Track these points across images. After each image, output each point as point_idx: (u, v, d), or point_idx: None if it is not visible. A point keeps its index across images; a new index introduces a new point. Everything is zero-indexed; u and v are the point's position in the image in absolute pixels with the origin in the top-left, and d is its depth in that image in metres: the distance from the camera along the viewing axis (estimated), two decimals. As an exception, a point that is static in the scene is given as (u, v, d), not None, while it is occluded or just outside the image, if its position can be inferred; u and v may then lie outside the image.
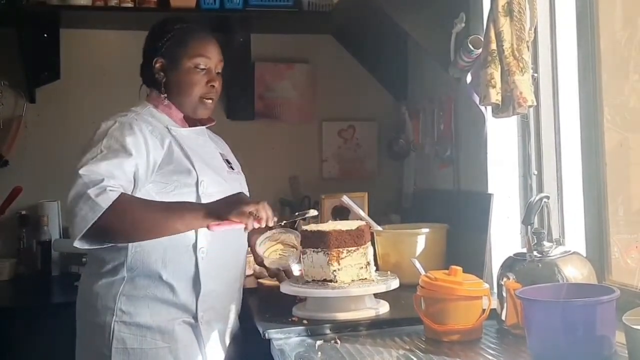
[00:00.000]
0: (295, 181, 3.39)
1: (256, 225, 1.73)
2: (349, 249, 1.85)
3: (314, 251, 1.84)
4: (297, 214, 2.00)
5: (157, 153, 1.81)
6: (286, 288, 1.89)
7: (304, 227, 1.88)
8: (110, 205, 1.64)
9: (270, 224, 1.77)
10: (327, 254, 1.83)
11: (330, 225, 1.90)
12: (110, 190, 1.66)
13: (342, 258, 1.84)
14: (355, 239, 1.87)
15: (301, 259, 1.87)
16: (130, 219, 1.68)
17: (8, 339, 2.52)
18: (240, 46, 3.31)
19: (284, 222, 1.92)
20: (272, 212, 1.75)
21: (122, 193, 1.68)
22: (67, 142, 3.15)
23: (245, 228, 1.74)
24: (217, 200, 1.78)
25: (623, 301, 1.41)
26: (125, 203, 1.67)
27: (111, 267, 1.81)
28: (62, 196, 3.05)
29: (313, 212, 1.94)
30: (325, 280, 1.84)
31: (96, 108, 3.13)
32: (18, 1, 2.94)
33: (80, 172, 1.68)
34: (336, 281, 1.83)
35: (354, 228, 1.87)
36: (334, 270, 1.83)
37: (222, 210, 1.72)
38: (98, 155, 1.72)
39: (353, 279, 1.85)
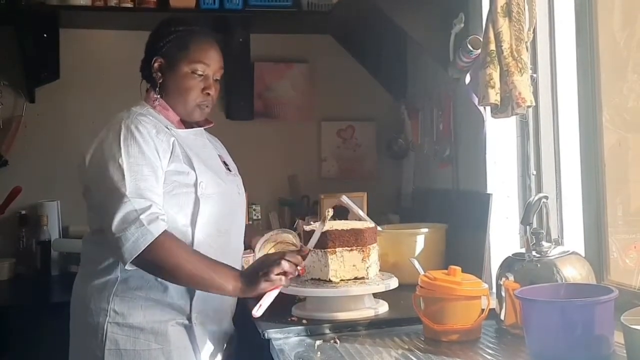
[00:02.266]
0: (295, 181, 3.39)
1: (289, 279, 1.72)
2: (373, 245, 1.89)
3: (346, 250, 1.84)
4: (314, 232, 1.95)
5: (165, 157, 1.81)
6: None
7: (333, 227, 1.87)
8: (160, 235, 1.67)
9: (301, 270, 1.76)
10: (362, 251, 1.85)
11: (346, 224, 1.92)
12: (161, 219, 1.69)
13: (370, 254, 1.87)
14: (375, 235, 1.92)
15: (330, 260, 1.84)
16: (174, 253, 1.69)
17: (7, 339, 2.52)
18: (239, 46, 3.31)
19: (314, 248, 1.84)
20: (299, 259, 1.73)
21: (166, 230, 1.69)
22: (66, 142, 3.16)
23: (284, 286, 1.74)
24: (249, 269, 1.78)
25: (621, 301, 1.42)
26: (172, 237, 1.70)
27: (105, 267, 1.80)
28: (61, 196, 3.11)
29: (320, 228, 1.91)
30: (357, 278, 1.85)
31: (96, 108, 3.15)
32: (18, 1, 2.94)
33: (126, 193, 1.68)
34: (368, 277, 1.85)
35: (372, 225, 1.91)
36: (368, 267, 1.86)
37: (252, 284, 1.70)
38: (127, 173, 1.71)
39: (375, 274, 1.89)
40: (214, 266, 1.72)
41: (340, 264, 1.84)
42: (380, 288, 1.85)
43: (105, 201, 1.72)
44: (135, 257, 1.66)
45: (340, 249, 1.84)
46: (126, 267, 1.70)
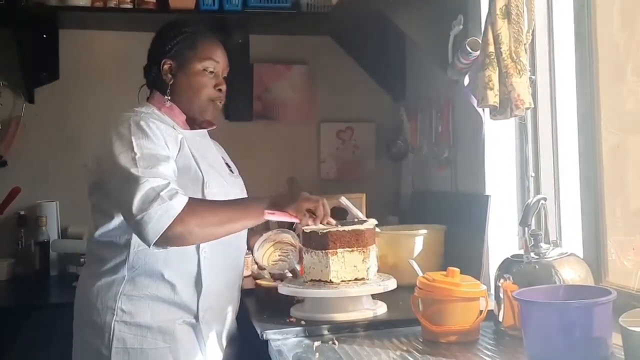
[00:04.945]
0: (294, 182, 3.39)
1: (310, 223, 1.80)
2: (373, 245, 1.89)
3: (347, 251, 1.84)
4: (355, 220, 1.97)
5: (174, 150, 1.82)
6: (284, 289, 1.89)
7: (334, 228, 1.85)
8: (184, 207, 1.65)
9: (324, 223, 1.83)
10: (363, 252, 1.85)
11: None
12: (180, 193, 1.67)
13: (370, 255, 1.87)
14: (373, 236, 1.91)
15: (330, 261, 1.83)
16: (202, 220, 1.69)
17: (5, 339, 2.52)
18: (239, 47, 3.30)
19: (338, 225, 1.88)
20: (329, 211, 1.83)
21: (189, 196, 1.70)
22: (65, 143, 3.17)
23: (300, 223, 1.81)
24: (278, 194, 1.88)
25: (620, 303, 1.42)
26: (195, 204, 1.69)
27: (112, 266, 1.81)
28: (60, 197, 3.11)
29: (373, 222, 1.94)
30: (357, 279, 1.85)
31: (95, 109, 3.15)
32: (17, 2, 2.94)
33: (141, 175, 1.66)
34: (368, 278, 1.85)
35: (371, 226, 1.91)
36: (368, 268, 1.86)
37: (282, 202, 1.78)
38: (141, 162, 1.69)
39: (374, 275, 1.88)
40: (240, 203, 1.81)
41: (342, 264, 1.84)
42: (379, 289, 1.85)
43: (121, 190, 1.70)
44: (161, 235, 1.63)
45: (342, 249, 1.84)
46: (152, 249, 1.68)
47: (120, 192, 1.70)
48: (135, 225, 1.65)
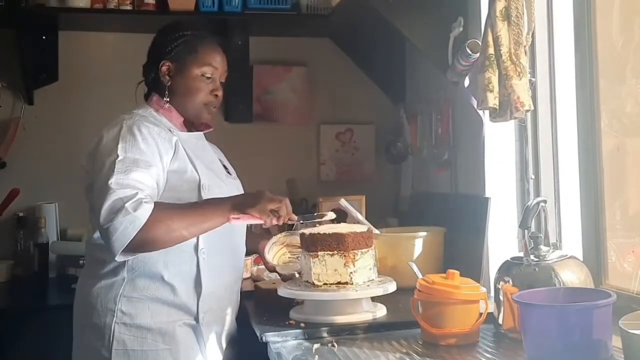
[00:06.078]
0: (293, 184, 3.38)
1: (274, 222, 1.80)
2: (363, 250, 1.86)
3: (328, 254, 1.83)
4: (315, 214, 1.99)
5: (167, 156, 1.82)
6: (283, 291, 1.89)
7: (317, 231, 1.86)
8: (149, 217, 1.66)
9: (287, 222, 1.83)
10: (344, 256, 1.83)
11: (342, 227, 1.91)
12: (145, 202, 1.68)
13: (357, 260, 1.84)
14: (366, 240, 1.88)
15: (312, 263, 1.83)
16: (167, 227, 1.70)
17: (4, 341, 2.52)
18: (238, 49, 3.30)
19: (302, 222, 1.92)
20: (291, 210, 1.82)
21: (155, 203, 1.70)
22: (65, 144, 3.16)
23: (264, 224, 1.80)
24: (242, 194, 1.87)
25: (619, 305, 1.42)
26: (159, 212, 1.69)
27: (111, 268, 1.81)
28: (59, 198, 3.10)
29: (332, 215, 1.95)
30: (339, 282, 1.83)
31: (94, 110, 3.15)
32: (17, 3, 2.94)
33: (111, 185, 1.67)
34: (352, 283, 1.83)
35: (365, 230, 1.89)
36: (351, 272, 1.83)
37: (245, 204, 1.77)
38: (118, 166, 1.71)
39: (364, 281, 1.86)
40: (204, 205, 1.79)
41: (323, 267, 1.83)
42: (379, 291, 1.84)
43: (96, 197, 1.72)
44: (126, 246, 1.65)
45: (322, 252, 1.83)
46: (116, 259, 1.69)
47: (96, 199, 1.72)
48: (103, 235, 1.68)
